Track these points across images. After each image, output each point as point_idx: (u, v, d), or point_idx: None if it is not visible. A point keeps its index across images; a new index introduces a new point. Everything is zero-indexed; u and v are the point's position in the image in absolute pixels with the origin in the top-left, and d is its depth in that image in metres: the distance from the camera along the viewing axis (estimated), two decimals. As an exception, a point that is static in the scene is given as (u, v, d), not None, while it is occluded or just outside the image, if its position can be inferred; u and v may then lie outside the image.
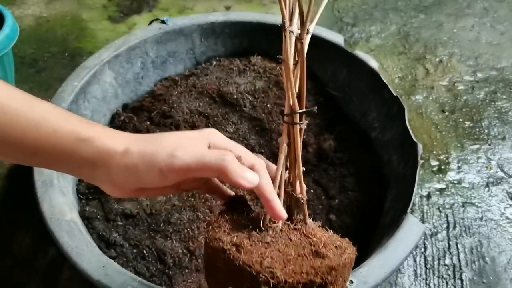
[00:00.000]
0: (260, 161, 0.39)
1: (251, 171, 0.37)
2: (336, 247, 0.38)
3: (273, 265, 0.35)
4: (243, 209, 0.41)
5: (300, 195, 0.41)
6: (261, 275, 0.34)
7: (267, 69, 0.85)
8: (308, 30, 0.39)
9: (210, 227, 0.39)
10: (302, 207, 0.41)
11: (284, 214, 0.38)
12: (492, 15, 1.23)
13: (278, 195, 0.39)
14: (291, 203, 0.42)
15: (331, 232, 0.41)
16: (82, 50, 1.07)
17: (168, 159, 0.35)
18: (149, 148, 0.36)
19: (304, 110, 0.39)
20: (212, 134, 0.39)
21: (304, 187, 0.41)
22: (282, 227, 0.40)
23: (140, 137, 0.38)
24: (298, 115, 0.39)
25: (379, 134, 0.77)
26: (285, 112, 0.40)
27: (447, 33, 1.17)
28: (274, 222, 0.39)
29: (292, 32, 0.38)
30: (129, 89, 0.82)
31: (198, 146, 0.37)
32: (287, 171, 0.41)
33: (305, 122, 0.40)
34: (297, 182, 0.41)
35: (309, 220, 0.41)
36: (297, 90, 0.39)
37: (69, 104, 0.68)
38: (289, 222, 0.40)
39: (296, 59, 0.39)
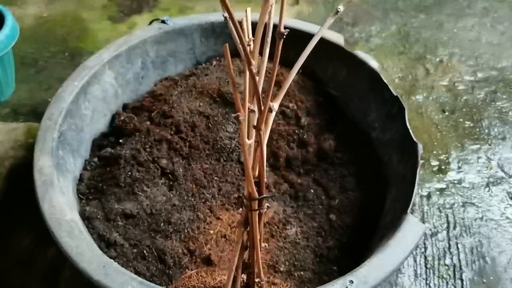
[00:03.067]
0: None
1: None
2: None
3: None
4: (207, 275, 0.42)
5: (257, 279, 0.40)
6: None
7: (267, 69, 0.84)
8: (272, 108, 0.34)
9: None
10: None
11: None
12: (492, 15, 1.23)
13: (235, 277, 0.39)
14: (249, 284, 0.41)
15: None
16: (82, 50, 1.07)
17: None
18: None
19: (264, 196, 0.37)
20: None
21: (262, 271, 0.40)
22: None
23: None
24: (257, 201, 0.36)
25: (379, 134, 0.77)
26: (245, 194, 0.37)
27: (447, 33, 1.17)
28: None
29: (253, 111, 0.34)
30: (130, 89, 0.82)
31: None
32: (247, 251, 0.40)
33: (265, 207, 0.37)
34: (255, 266, 0.40)
35: None
36: (256, 175, 0.36)
37: (69, 104, 0.68)
38: None
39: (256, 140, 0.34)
